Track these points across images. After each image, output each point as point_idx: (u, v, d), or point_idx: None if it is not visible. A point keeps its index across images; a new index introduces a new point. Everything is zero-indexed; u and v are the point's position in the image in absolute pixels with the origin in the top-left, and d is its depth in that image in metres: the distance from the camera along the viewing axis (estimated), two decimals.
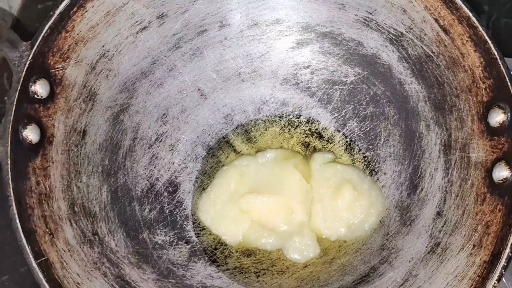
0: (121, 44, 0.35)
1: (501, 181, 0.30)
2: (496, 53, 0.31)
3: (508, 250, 0.28)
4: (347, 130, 0.39)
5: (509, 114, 0.31)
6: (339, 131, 0.39)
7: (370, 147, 0.38)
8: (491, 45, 0.32)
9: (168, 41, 0.37)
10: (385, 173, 0.37)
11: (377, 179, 0.37)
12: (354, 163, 0.38)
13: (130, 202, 0.35)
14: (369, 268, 0.34)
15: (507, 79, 0.31)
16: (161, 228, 0.35)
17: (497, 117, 0.31)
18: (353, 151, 0.38)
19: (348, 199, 0.36)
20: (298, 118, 0.40)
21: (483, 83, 0.32)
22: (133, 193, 0.35)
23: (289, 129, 0.39)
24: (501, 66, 0.31)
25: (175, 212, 0.37)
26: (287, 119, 0.40)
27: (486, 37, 0.32)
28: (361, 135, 0.39)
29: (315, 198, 0.36)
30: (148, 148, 0.37)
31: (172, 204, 0.37)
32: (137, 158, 0.36)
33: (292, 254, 0.35)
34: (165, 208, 0.36)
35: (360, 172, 0.37)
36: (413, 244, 0.33)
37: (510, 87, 0.31)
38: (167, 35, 0.37)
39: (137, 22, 0.35)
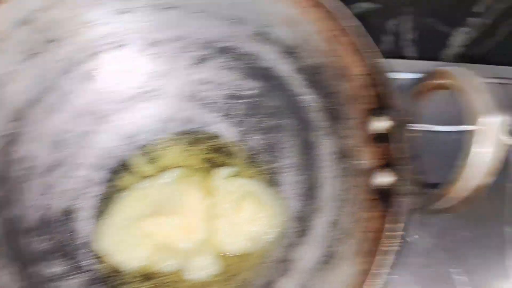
0: (10, 73, 0.34)
1: (387, 188, 0.31)
2: (379, 62, 0.32)
3: (392, 256, 0.29)
4: (250, 143, 0.39)
5: (392, 121, 0.31)
6: (242, 145, 0.39)
7: (272, 159, 0.38)
8: (375, 54, 0.33)
9: (61, 65, 0.36)
10: (286, 184, 0.38)
11: (279, 190, 0.37)
12: (257, 176, 0.38)
13: (22, 234, 0.34)
14: (268, 281, 0.34)
15: (390, 87, 0.32)
16: (56, 259, 0.34)
17: (381, 125, 0.32)
18: (256, 164, 0.39)
19: (251, 212, 0.36)
20: (203, 134, 0.39)
21: (368, 91, 0.33)
22: (26, 225, 0.34)
23: (194, 146, 0.39)
24: (385, 74, 0.32)
25: (71, 242, 0.36)
26: (191, 136, 0.39)
27: (370, 46, 0.33)
28: (264, 147, 0.39)
29: (217, 213, 0.36)
30: (42, 176, 0.36)
31: (69, 233, 0.36)
32: (30, 188, 0.35)
33: (192, 274, 0.35)
34: (60, 238, 0.35)
35: (262, 184, 0.37)
36: (310, 255, 0.34)
37: (393, 95, 0.32)
38: (59, 59, 0.36)
39: (26, 48, 0.35)
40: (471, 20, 0.52)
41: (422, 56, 0.53)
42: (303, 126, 0.37)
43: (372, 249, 0.30)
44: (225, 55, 0.39)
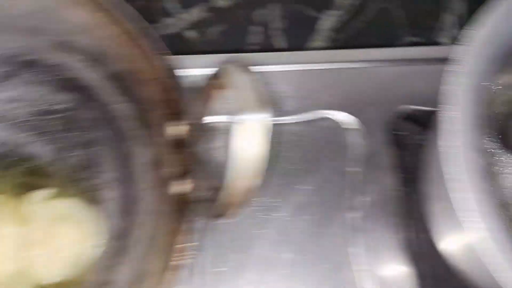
0: None
1: (186, 196, 0.29)
2: (169, 65, 0.31)
3: (184, 269, 0.28)
4: (68, 161, 0.36)
5: (187, 125, 0.30)
6: (59, 164, 0.37)
7: (92, 175, 0.36)
8: (165, 57, 0.31)
9: None
10: (106, 201, 0.35)
11: (99, 208, 0.35)
12: (77, 195, 0.36)
13: None
14: None
15: (181, 91, 0.30)
16: None
17: (178, 130, 0.30)
18: (76, 182, 0.36)
19: (68, 235, 0.34)
20: (16, 157, 0.37)
21: (163, 96, 0.31)
22: None
23: (7, 171, 0.36)
24: (175, 77, 0.31)
25: None
26: (3, 160, 0.36)
27: (160, 49, 0.31)
28: (83, 164, 0.36)
29: (32, 241, 0.34)
30: None
31: None
32: None
33: None
34: None
35: (81, 204, 0.35)
36: (128, 274, 0.32)
37: (185, 99, 0.30)
38: None
39: None
40: (339, 1, 0.52)
41: (292, 45, 0.52)
42: (119, 137, 0.35)
43: (172, 263, 0.29)
44: (31, 69, 0.36)
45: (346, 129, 0.42)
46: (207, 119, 0.30)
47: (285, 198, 0.40)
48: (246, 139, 0.24)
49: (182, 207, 0.29)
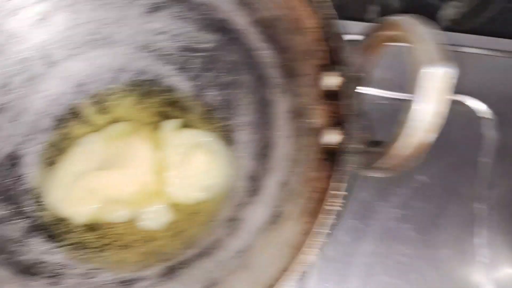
0: None
1: (335, 147, 0.29)
2: (331, 15, 0.30)
3: (333, 216, 0.28)
4: (206, 99, 0.37)
5: (343, 77, 0.30)
6: (198, 100, 0.37)
7: (228, 116, 0.37)
8: (327, 7, 0.31)
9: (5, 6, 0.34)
10: (240, 143, 0.36)
11: (232, 147, 0.36)
12: (212, 131, 0.37)
13: None
14: (215, 240, 0.33)
15: (341, 42, 0.30)
16: None
17: (332, 81, 0.30)
18: (211, 120, 0.37)
19: (201, 163, 0.35)
20: (157, 86, 0.38)
21: (320, 46, 0.31)
22: None
23: (147, 99, 0.37)
24: (336, 28, 0.30)
25: (15, 186, 0.34)
26: (145, 87, 0.37)
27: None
28: (220, 104, 0.37)
29: (168, 166, 0.35)
30: None
31: (12, 177, 0.34)
32: None
33: (144, 223, 0.34)
34: (4, 181, 0.34)
35: (214, 137, 0.36)
36: (259, 214, 0.33)
37: (344, 50, 0.30)
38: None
39: None
40: None
41: None
42: (260, 83, 0.36)
43: (316, 209, 0.29)
44: (179, 5, 0.36)
45: (480, 117, 0.41)
46: (366, 75, 0.30)
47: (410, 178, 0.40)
48: (426, 93, 0.24)
49: (331, 157, 0.29)
